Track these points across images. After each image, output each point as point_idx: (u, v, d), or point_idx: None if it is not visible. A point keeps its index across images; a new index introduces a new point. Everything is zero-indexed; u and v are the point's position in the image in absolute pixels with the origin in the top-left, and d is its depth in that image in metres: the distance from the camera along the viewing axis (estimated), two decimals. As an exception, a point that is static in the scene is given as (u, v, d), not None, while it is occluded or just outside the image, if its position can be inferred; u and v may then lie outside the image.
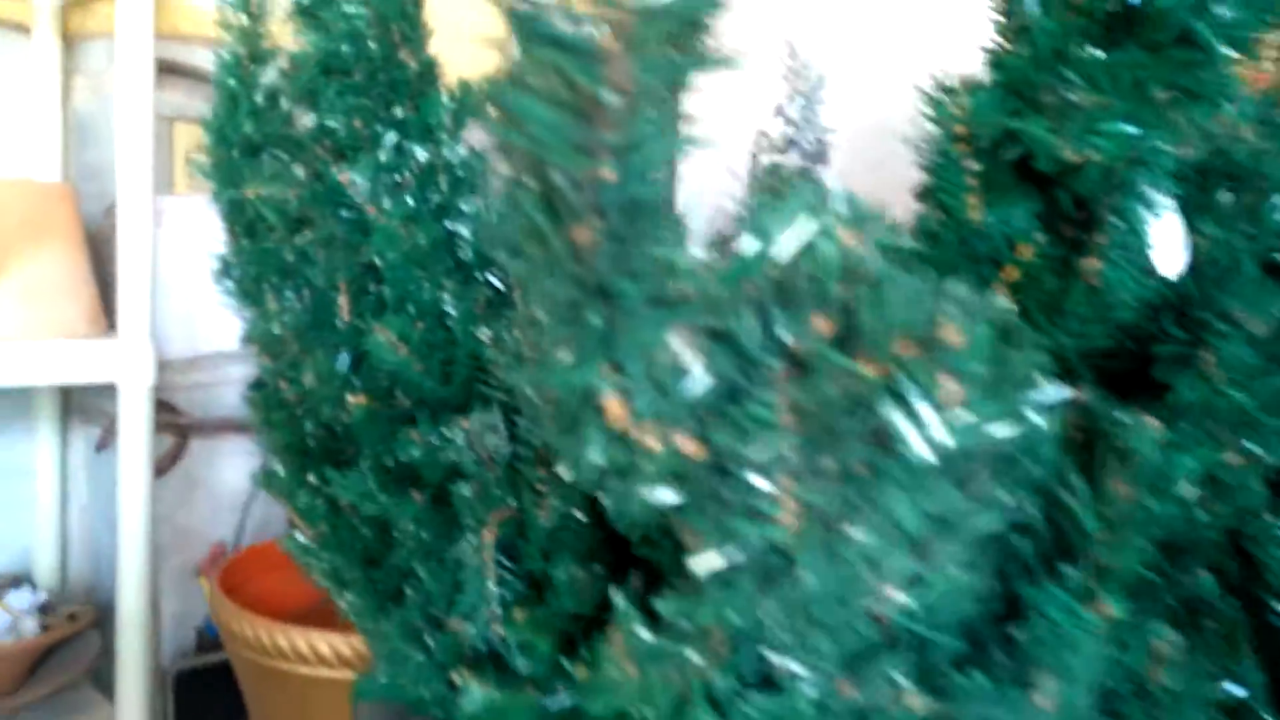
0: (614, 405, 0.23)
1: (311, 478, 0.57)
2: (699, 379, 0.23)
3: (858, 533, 0.24)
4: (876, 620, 0.27)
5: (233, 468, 1.25)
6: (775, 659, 0.27)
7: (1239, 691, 0.34)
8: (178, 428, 1.18)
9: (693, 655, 0.28)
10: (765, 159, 0.87)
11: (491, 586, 0.51)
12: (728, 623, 0.27)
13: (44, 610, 1.07)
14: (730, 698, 0.28)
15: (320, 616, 0.85)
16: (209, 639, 1.17)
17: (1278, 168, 0.40)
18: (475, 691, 0.49)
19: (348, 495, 0.55)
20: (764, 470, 0.23)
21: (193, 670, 1.08)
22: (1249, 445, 0.38)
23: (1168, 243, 0.40)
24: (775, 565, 0.25)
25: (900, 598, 0.26)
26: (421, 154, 0.63)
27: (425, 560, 0.54)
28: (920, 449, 0.23)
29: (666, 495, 0.25)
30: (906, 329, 0.22)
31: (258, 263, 0.59)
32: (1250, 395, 0.38)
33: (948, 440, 0.23)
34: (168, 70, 1.13)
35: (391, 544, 0.57)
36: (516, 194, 0.20)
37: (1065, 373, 0.41)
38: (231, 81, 0.62)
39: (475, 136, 0.67)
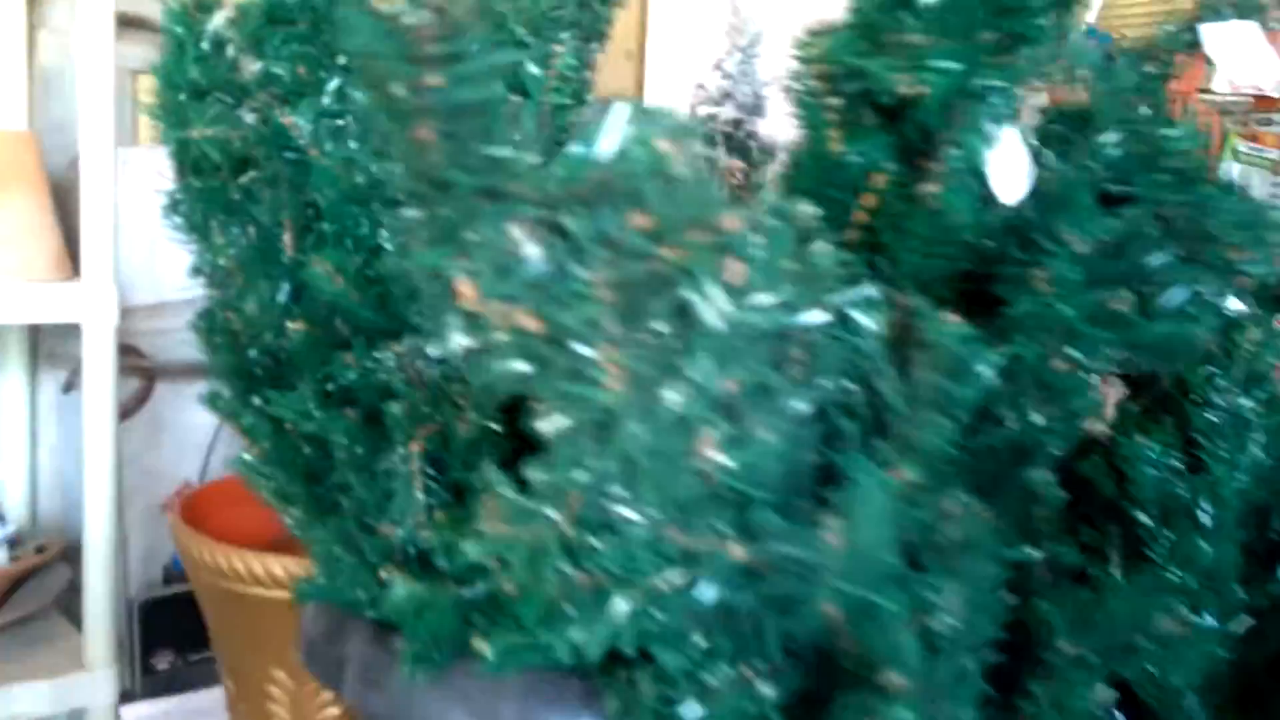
0: (465, 287, 0.28)
1: (256, 399, 0.61)
2: (535, 263, 0.27)
3: (670, 396, 0.28)
4: (701, 476, 0.31)
5: (197, 410, 1.28)
6: (614, 508, 0.31)
7: (1034, 554, 0.40)
8: (144, 371, 1.22)
9: (550, 511, 0.33)
10: (702, 111, 0.90)
11: (418, 494, 0.56)
12: (573, 479, 0.31)
13: (13, 544, 1.11)
14: (580, 545, 0.33)
15: (277, 548, 0.90)
16: (175, 574, 1.22)
17: (1109, 108, 0.44)
18: (401, 587, 0.54)
19: (287, 415, 0.59)
20: (588, 340, 0.28)
21: (157, 600, 1.13)
22: (1072, 352, 0.43)
23: (1008, 172, 0.44)
24: (605, 425, 0.29)
25: (719, 457, 0.31)
26: (362, 98, 0.66)
27: (359, 472, 0.59)
28: (713, 321, 0.27)
29: (517, 365, 0.29)
30: (697, 219, 0.26)
31: (204, 200, 0.63)
32: (1074, 308, 0.43)
33: (737, 314, 0.27)
34: (129, 24, 1.15)
35: (331, 461, 0.61)
36: (371, 102, 0.25)
37: (921, 289, 0.45)
38: (179, 29, 0.65)
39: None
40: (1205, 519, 0.61)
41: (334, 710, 0.94)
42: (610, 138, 0.27)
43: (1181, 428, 0.66)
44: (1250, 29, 0.56)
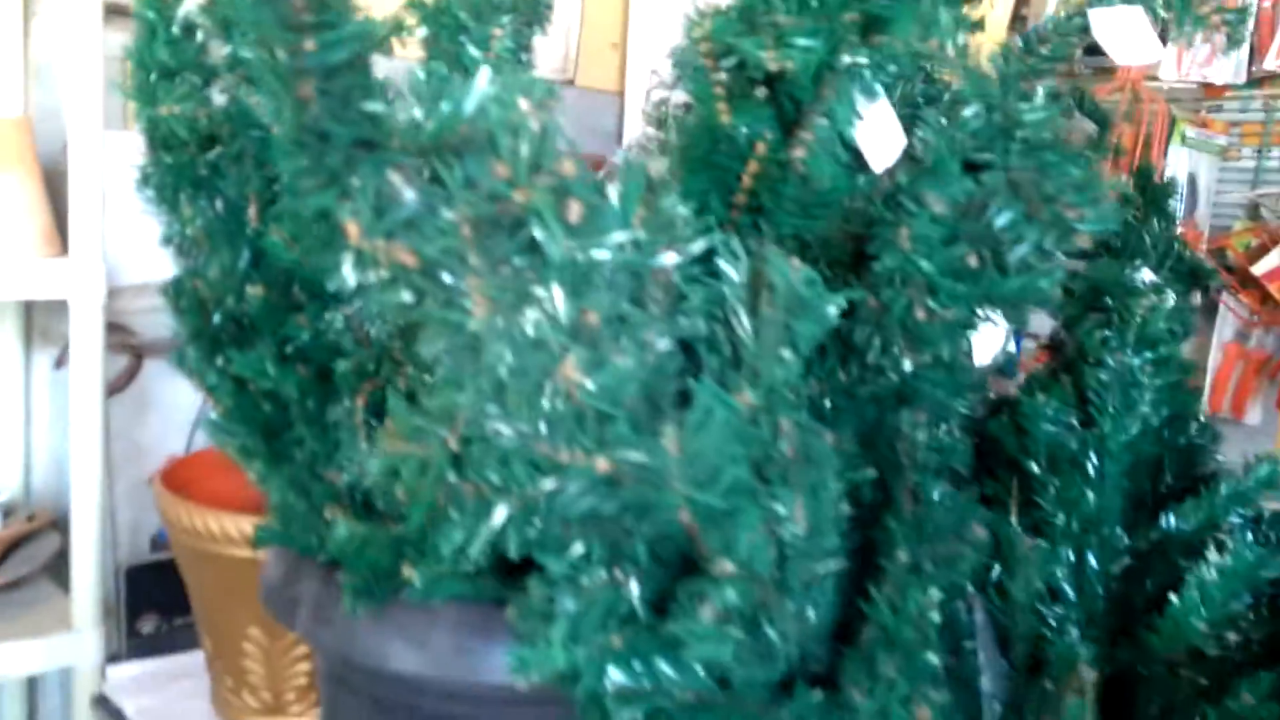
0: (351, 226, 0.33)
1: (219, 360, 0.66)
2: (409, 205, 0.32)
3: (526, 322, 0.33)
4: (565, 395, 0.36)
5: (184, 388, 1.34)
6: (489, 424, 0.36)
7: (868, 474, 0.45)
8: (132, 348, 1.27)
9: (439, 429, 0.38)
10: (656, 95, 0.95)
11: (362, 443, 0.61)
12: (455, 399, 0.36)
13: (6, 513, 1.17)
14: (464, 458, 0.37)
15: (251, 512, 0.95)
16: (161, 544, 1.27)
17: (972, 84, 0.49)
18: (343, 526, 0.59)
19: (246, 372, 0.64)
20: (456, 272, 0.33)
21: (143, 566, 1.18)
22: (932, 303, 0.48)
23: (879, 141, 0.49)
24: (475, 348, 0.34)
25: (579, 378, 0.36)
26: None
27: (310, 425, 0.64)
28: (557, 255, 0.32)
29: (399, 296, 0.34)
30: (541, 166, 0.31)
31: (174, 174, 0.68)
32: (933, 263, 0.47)
33: (578, 251, 0.32)
34: (118, 12, 1.21)
35: (287, 416, 0.66)
36: (261, 66, 0.30)
37: (801, 248, 0.50)
38: (150, 14, 0.70)
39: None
40: (1091, 470, 0.66)
41: (304, 665, 0.99)
42: (474, 97, 0.32)
43: (1078, 387, 0.71)
44: (1135, 13, 0.60)
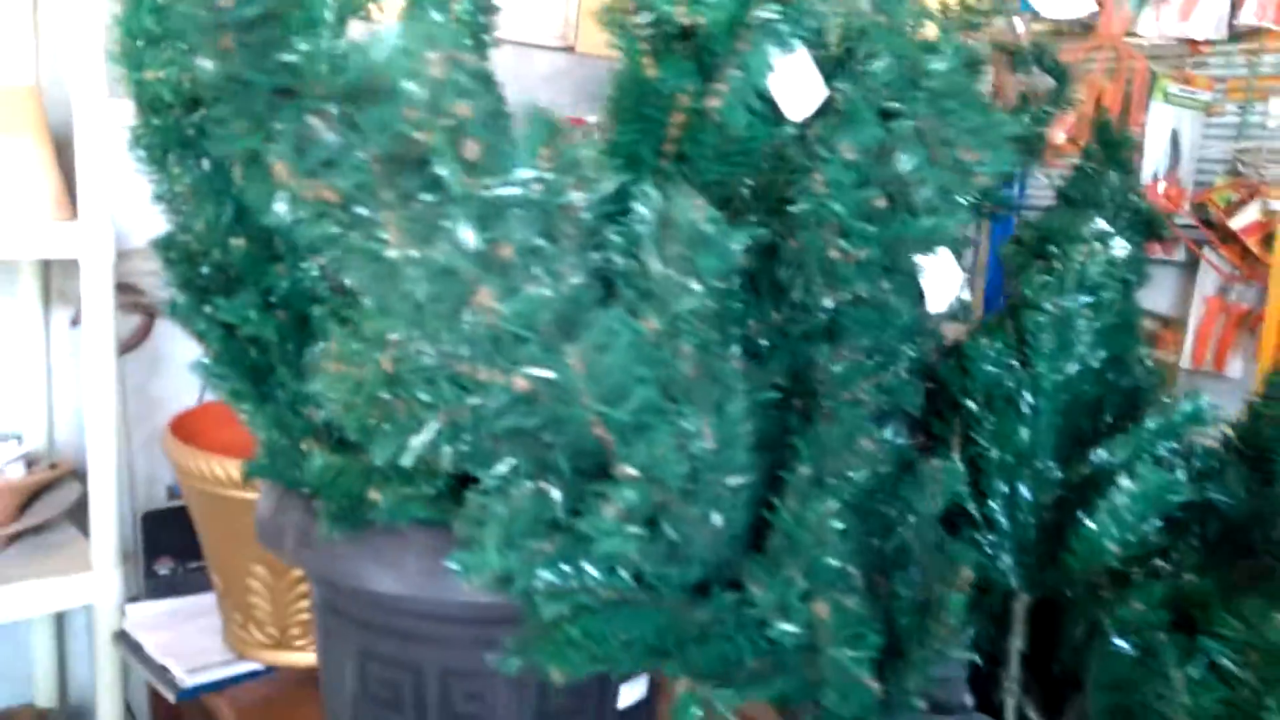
0: (279, 167, 0.37)
1: (207, 308, 0.71)
2: (328, 145, 0.36)
3: (435, 252, 0.37)
4: (484, 320, 0.40)
5: (196, 345, 1.40)
6: (413, 347, 0.41)
7: (770, 394, 0.49)
8: (145, 308, 1.33)
9: (372, 352, 0.42)
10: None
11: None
12: (382, 325, 0.41)
13: (30, 462, 1.24)
14: (395, 377, 0.42)
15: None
16: (176, 494, 1.34)
17: (883, 38, 0.52)
18: (318, 457, 0.64)
19: (232, 318, 0.69)
20: (372, 206, 0.37)
21: (158, 512, 1.25)
22: (844, 243, 0.51)
23: (796, 92, 0.52)
24: (393, 276, 0.39)
25: (494, 304, 0.40)
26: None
27: (289, 366, 0.68)
28: (461, 191, 0.36)
29: (325, 229, 0.38)
30: (441, 109, 0.35)
31: (161, 135, 0.73)
32: (845, 206, 0.51)
33: (477, 187, 0.36)
34: (123, -17, 1.25)
35: (271, 360, 0.71)
36: (185, 19, 0.34)
37: (723, 194, 0.54)
38: (137, -17, 0.74)
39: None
40: (1025, 407, 0.70)
41: (306, 602, 1.05)
42: (382, 48, 0.36)
43: (1020, 331, 0.74)
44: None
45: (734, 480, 0.47)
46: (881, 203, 0.50)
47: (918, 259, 0.62)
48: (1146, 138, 1.38)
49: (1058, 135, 1.25)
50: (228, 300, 0.69)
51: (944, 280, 0.66)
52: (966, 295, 0.76)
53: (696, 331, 0.43)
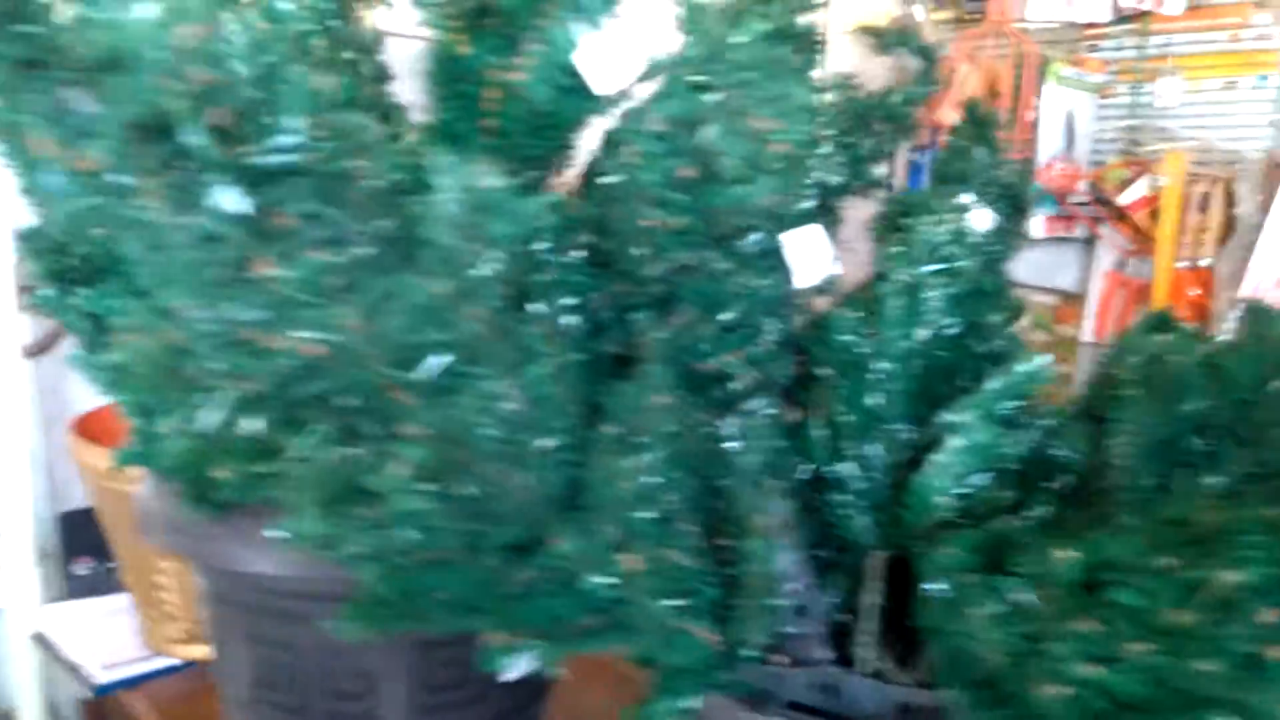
0: (35, 140, 0.38)
1: (72, 299, 0.72)
2: (79, 115, 0.38)
3: (195, 218, 0.39)
4: (264, 287, 0.41)
5: (113, 346, 1.40)
6: (199, 314, 0.42)
7: (574, 356, 0.50)
8: (59, 310, 1.33)
9: (160, 322, 0.43)
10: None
11: (194, 365, 0.67)
12: (164, 295, 0.42)
13: (-56, 467, 1.24)
14: (185, 347, 0.43)
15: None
16: (98, 494, 1.34)
17: (690, 16, 0.54)
18: (176, 443, 0.64)
19: (94, 308, 0.70)
20: (130, 173, 0.38)
21: (77, 513, 1.25)
22: (655, 212, 0.53)
23: (604, 65, 0.54)
24: (159, 244, 0.40)
25: (273, 270, 0.41)
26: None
27: (152, 352, 0.70)
28: (216, 157, 0.37)
29: (89, 200, 0.39)
30: (183, 76, 0.36)
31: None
32: (654, 175, 0.52)
33: (230, 153, 0.37)
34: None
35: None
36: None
37: (540, 167, 0.55)
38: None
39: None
40: (876, 373, 0.72)
41: (215, 594, 1.06)
42: (132, 19, 0.37)
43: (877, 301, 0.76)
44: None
45: (544, 442, 0.48)
46: (689, 172, 0.52)
47: (783, 236, 0.64)
48: (1041, 120, 1.41)
49: (950, 117, 1.28)
50: (91, 290, 0.70)
51: (813, 255, 0.68)
52: (840, 270, 0.78)
53: (491, 296, 0.44)
